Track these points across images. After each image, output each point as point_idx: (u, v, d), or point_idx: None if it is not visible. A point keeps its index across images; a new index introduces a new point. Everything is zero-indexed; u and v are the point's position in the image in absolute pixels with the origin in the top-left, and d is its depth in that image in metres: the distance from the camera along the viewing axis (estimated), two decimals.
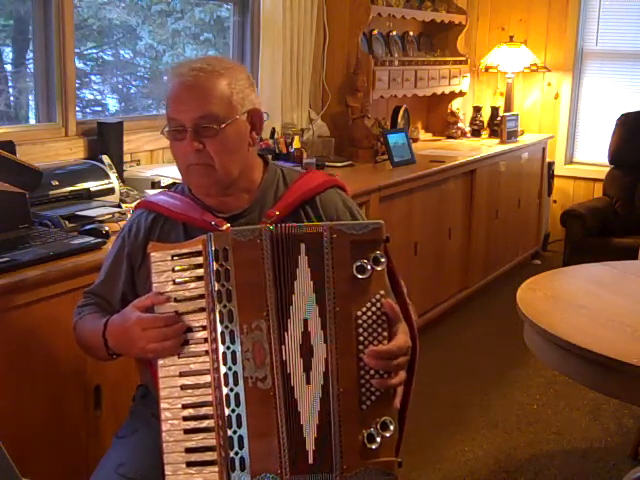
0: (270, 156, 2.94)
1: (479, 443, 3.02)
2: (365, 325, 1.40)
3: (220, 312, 1.40)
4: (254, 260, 1.41)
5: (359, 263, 1.40)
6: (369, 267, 1.40)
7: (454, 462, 2.88)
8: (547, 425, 3.20)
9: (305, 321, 1.41)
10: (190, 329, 1.44)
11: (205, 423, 1.41)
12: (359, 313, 1.40)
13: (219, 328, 1.40)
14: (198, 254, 1.44)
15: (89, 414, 2.13)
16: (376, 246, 1.42)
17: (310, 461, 1.39)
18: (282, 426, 1.38)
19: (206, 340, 1.42)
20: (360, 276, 1.40)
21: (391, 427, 1.39)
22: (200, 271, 1.43)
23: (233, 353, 1.39)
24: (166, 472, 1.40)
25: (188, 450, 1.40)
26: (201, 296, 1.43)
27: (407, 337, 1.45)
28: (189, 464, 1.40)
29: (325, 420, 1.39)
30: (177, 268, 1.45)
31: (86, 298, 1.72)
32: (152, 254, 1.47)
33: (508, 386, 3.53)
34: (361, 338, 1.40)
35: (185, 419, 1.42)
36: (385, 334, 1.41)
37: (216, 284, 1.40)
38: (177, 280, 1.45)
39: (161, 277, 1.46)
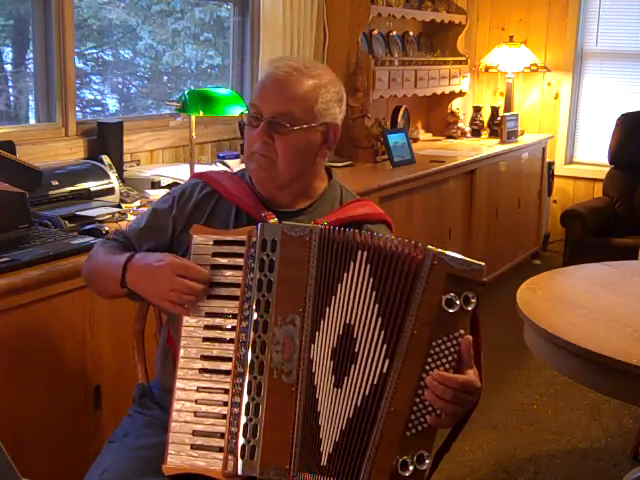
0: None
1: (479, 443, 3.02)
2: (435, 357, 1.37)
3: (257, 301, 1.40)
4: (300, 257, 1.41)
5: (449, 296, 1.37)
6: (458, 303, 1.37)
7: (454, 462, 2.88)
8: (547, 425, 3.20)
9: (348, 326, 1.40)
10: (219, 312, 1.44)
11: (217, 409, 1.41)
12: (434, 344, 1.37)
13: (254, 316, 1.40)
14: (241, 244, 1.44)
15: (89, 414, 2.13)
16: (471, 286, 1.38)
17: (323, 463, 1.38)
18: (298, 423, 1.38)
19: (233, 329, 1.42)
20: (447, 309, 1.37)
21: (426, 462, 1.37)
22: (240, 260, 1.44)
23: (263, 343, 1.39)
24: (169, 451, 1.40)
25: (195, 433, 1.41)
26: (236, 285, 1.44)
27: (478, 379, 1.41)
28: (194, 447, 1.40)
29: (357, 429, 1.37)
30: (216, 253, 1.46)
31: (116, 235, 1.72)
32: (194, 236, 1.48)
33: (508, 386, 3.53)
34: (427, 367, 1.37)
35: (197, 402, 1.42)
36: (452, 372, 1.38)
37: (258, 273, 1.41)
38: (215, 265, 1.46)
39: (199, 260, 1.46)
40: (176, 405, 1.43)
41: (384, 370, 1.37)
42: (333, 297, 1.41)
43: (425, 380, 1.36)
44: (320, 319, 1.40)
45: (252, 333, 1.40)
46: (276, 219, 1.58)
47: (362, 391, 1.38)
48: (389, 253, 1.40)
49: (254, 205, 1.61)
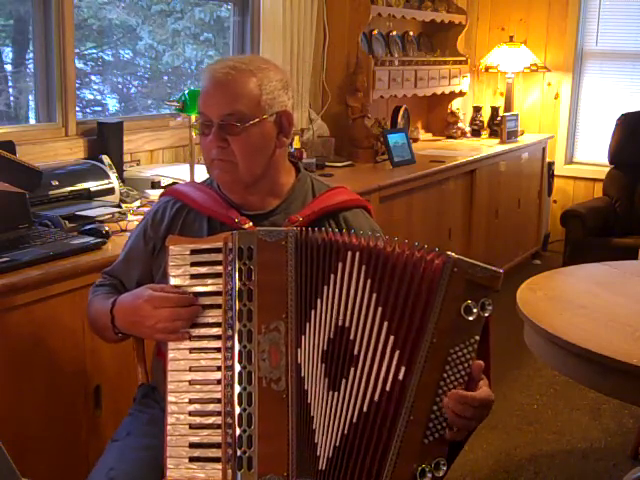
0: None
1: (479, 443, 3.02)
2: (453, 364, 1.36)
3: (239, 310, 1.39)
4: (278, 262, 1.40)
5: (468, 304, 1.35)
6: (475, 311, 1.36)
7: (454, 462, 2.87)
8: (547, 425, 3.20)
9: (342, 328, 1.38)
10: (203, 322, 1.44)
11: (211, 420, 1.40)
12: (451, 351, 1.36)
13: (237, 326, 1.39)
14: (218, 251, 1.44)
15: (89, 414, 2.13)
16: (487, 293, 1.37)
17: (321, 467, 1.37)
18: (292, 429, 1.37)
19: (219, 337, 1.42)
20: (465, 317, 1.35)
21: (443, 468, 1.37)
22: (218, 268, 1.43)
23: (249, 352, 1.38)
24: (168, 466, 1.40)
25: (192, 445, 1.40)
26: (217, 293, 1.43)
27: (490, 391, 1.40)
28: (192, 459, 1.40)
29: (367, 435, 1.36)
30: (195, 263, 1.46)
31: (103, 278, 1.74)
32: (171, 247, 1.47)
33: (508, 386, 3.53)
34: (445, 375, 1.36)
35: (191, 414, 1.41)
36: (466, 378, 1.37)
37: (238, 282, 1.40)
38: (194, 275, 1.45)
39: (178, 271, 1.46)
40: (170, 419, 1.42)
41: (400, 377, 1.35)
42: (319, 299, 1.39)
43: (443, 398, 1.35)
44: (305, 322, 1.39)
45: (237, 344, 1.39)
46: (251, 223, 1.56)
47: (369, 396, 1.36)
48: (391, 255, 1.38)
49: (226, 212, 1.60)
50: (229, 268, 1.42)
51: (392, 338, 1.36)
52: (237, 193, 1.63)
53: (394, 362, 1.36)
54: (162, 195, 1.75)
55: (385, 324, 1.37)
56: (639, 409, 3.19)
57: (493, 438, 3.07)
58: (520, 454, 2.98)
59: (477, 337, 1.36)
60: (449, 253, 1.36)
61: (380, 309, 1.37)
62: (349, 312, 1.39)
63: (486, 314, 1.36)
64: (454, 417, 1.35)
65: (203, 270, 1.45)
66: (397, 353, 1.36)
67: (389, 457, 1.35)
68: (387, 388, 1.36)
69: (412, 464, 1.35)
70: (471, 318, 1.35)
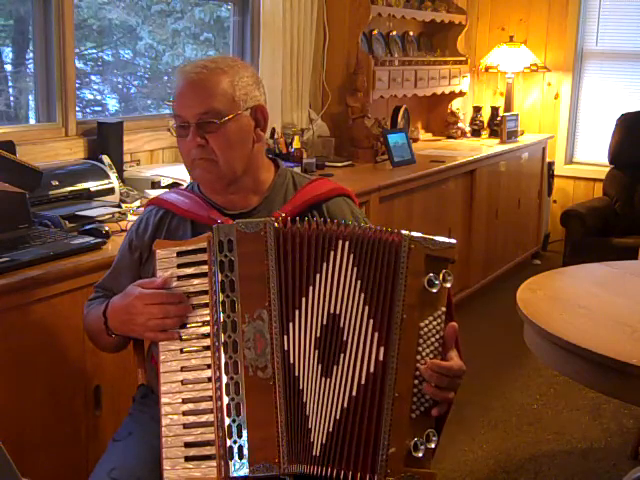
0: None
1: (479, 443, 3.02)
2: (425, 337, 1.42)
3: (223, 302, 1.41)
4: (258, 252, 1.42)
5: (430, 277, 1.41)
6: (437, 282, 1.42)
7: (454, 462, 2.88)
8: (547, 425, 3.20)
9: (334, 315, 1.41)
10: (192, 321, 1.45)
11: (204, 418, 1.42)
12: (422, 324, 1.41)
13: (222, 317, 1.41)
14: (203, 251, 1.46)
15: (89, 414, 2.13)
16: (446, 264, 1.44)
17: (315, 453, 1.38)
18: (280, 416, 1.38)
19: (208, 335, 1.43)
20: (430, 289, 1.41)
21: (434, 439, 1.40)
22: (204, 267, 1.45)
23: (234, 342, 1.40)
24: (164, 467, 1.40)
25: (187, 445, 1.41)
26: (205, 292, 1.45)
27: (462, 363, 1.45)
28: (187, 459, 1.41)
29: (358, 418, 1.38)
30: (181, 264, 1.47)
31: (96, 292, 1.76)
32: (157, 251, 1.49)
33: (508, 386, 3.53)
34: (420, 349, 1.41)
35: (185, 414, 1.42)
36: (440, 349, 1.42)
37: (220, 275, 1.42)
38: (181, 276, 1.47)
39: (166, 273, 1.48)
40: (164, 420, 1.43)
41: (380, 357, 1.39)
42: (310, 287, 1.42)
43: (420, 369, 1.40)
44: (294, 310, 1.41)
45: (222, 334, 1.40)
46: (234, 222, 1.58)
47: (357, 380, 1.40)
48: (369, 241, 1.43)
49: (208, 214, 1.62)
50: (213, 265, 1.44)
51: (372, 321, 1.41)
52: (219, 193, 1.64)
53: (374, 344, 1.40)
54: (146, 205, 1.76)
55: (366, 308, 1.41)
56: (639, 409, 3.19)
57: (493, 438, 3.07)
58: (520, 454, 2.98)
59: (443, 308, 1.43)
60: (403, 231, 1.43)
61: (363, 294, 1.42)
62: (339, 299, 1.42)
63: (448, 285, 1.43)
64: (432, 389, 1.39)
65: (190, 271, 1.47)
66: (376, 335, 1.40)
67: (382, 436, 1.38)
68: (371, 370, 1.40)
69: (405, 440, 1.38)
70: (434, 290, 1.42)
